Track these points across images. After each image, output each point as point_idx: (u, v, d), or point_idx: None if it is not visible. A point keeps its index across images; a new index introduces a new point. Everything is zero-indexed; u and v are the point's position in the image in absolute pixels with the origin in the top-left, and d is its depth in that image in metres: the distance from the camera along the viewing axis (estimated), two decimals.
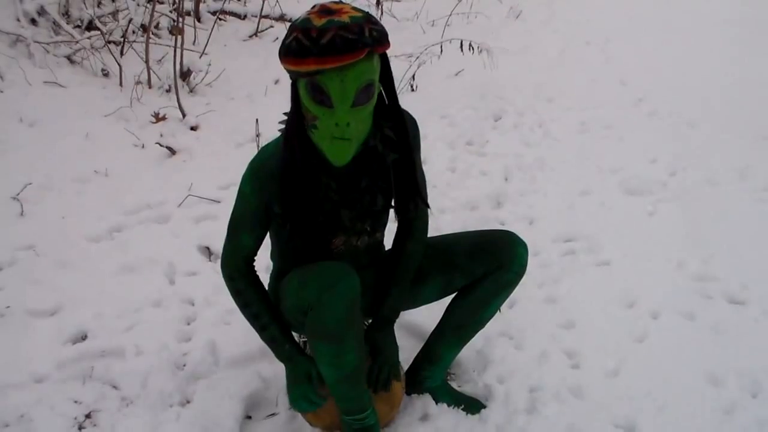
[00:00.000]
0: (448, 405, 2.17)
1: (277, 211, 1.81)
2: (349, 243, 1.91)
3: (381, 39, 1.58)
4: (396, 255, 2.04)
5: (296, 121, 1.70)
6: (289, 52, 1.57)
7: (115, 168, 3.61)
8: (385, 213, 1.94)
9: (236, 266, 1.93)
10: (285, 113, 1.76)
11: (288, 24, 5.77)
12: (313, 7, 1.61)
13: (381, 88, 1.72)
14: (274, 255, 2.04)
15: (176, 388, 2.25)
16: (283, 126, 1.77)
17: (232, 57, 5.28)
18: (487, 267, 1.98)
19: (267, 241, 1.98)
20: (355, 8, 1.61)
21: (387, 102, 1.77)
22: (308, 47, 1.52)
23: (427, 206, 1.98)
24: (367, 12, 1.62)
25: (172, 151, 3.80)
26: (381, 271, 2.07)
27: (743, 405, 2.16)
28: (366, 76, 1.59)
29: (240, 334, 2.45)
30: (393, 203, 1.91)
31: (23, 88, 4.14)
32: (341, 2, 1.64)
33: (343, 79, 1.56)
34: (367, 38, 1.54)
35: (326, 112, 1.61)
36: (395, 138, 1.80)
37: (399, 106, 1.79)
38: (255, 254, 1.94)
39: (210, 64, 4.82)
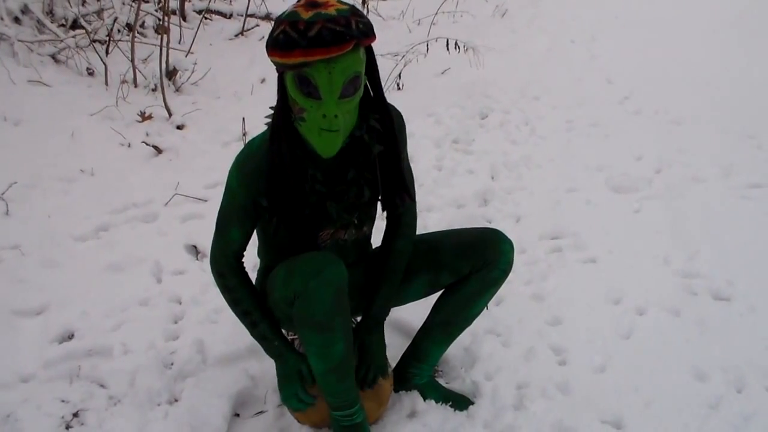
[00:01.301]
0: (436, 402, 2.17)
1: (263, 204, 1.81)
2: (335, 236, 1.91)
3: (367, 31, 1.61)
4: (384, 254, 2.04)
5: (283, 114, 1.71)
6: (276, 45, 1.58)
7: (101, 167, 3.60)
8: (373, 206, 1.94)
9: (226, 262, 1.93)
10: (271, 107, 1.76)
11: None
12: (299, 0, 1.62)
13: (366, 81, 1.74)
14: (261, 252, 2.05)
15: (164, 387, 2.24)
16: (269, 119, 1.78)
17: (218, 56, 5.27)
18: (473, 264, 1.99)
19: (254, 239, 1.99)
20: (340, 1, 1.62)
21: (372, 94, 1.78)
22: (296, 39, 1.54)
23: (413, 200, 1.99)
24: (353, 5, 1.64)
25: (158, 150, 3.80)
26: (369, 270, 2.07)
27: (728, 400, 2.17)
28: (353, 68, 1.60)
29: (227, 332, 2.45)
30: (380, 198, 1.92)
31: (7, 87, 4.11)
32: None
33: (330, 71, 1.58)
34: (354, 30, 1.56)
35: (314, 104, 1.62)
36: (381, 129, 1.81)
37: (384, 98, 1.80)
38: (244, 249, 1.94)
39: (196, 63, 4.81)
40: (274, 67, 1.67)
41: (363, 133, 1.78)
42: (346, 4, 1.62)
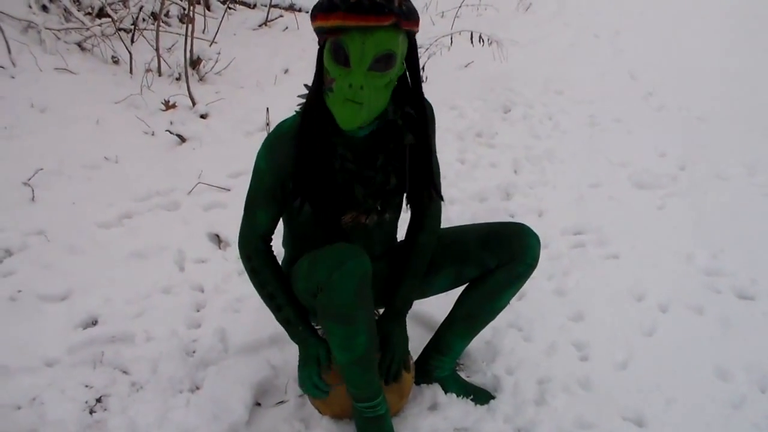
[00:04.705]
0: (457, 395, 2.18)
1: (291, 185, 1.82)
2: (358, 220, 1.90)
3: (409, 15, 1.61)
4: (409, 247, 2.04)
5: (317, 87, 1.73)
6: (320, 8, 1.61)
7: (125, 155, 3.62)
8: (397, 195, 1.93)
9: (254, 245, 1.94)
10: (306, 85, 1.78)
11: (297, 14, 5.82)
12: None
13: (406, 70, 1.75)
14: (287, 242, 2.05)
15: (186, 374, 2.26)
16: (303, 99, 1.79)
17: (241, 46, 5.28)
18: (499, 258, 1.99)
19: (279, 229, 1.99)
20: None
21: (410, 85, 1.78)
22: (337, 4, 1.57)
23: (441, 197, 1.98)
24: None
25: (182, 139, 3.81)
26: (394, 262, 2.08)
27: (752, 399, 2.16)
28: (387, 44, 1.61)
29: (249, 321, 2.46)
30: (406, 190, 1.92)
31: (34, 74, 4.14)
32: None
33: (364, 41, 1.58)
34: (395, 7, 1.57)
35: (342, 72, 1.63)
36: (416, 117, 1.81)
37: (421, 91, 1.80)
38: (272, 233, 1.95)
39: (220, 53, 4.82)
40: (316, 40, 1.68)
41: (398, 118, 1.79)
42: None
